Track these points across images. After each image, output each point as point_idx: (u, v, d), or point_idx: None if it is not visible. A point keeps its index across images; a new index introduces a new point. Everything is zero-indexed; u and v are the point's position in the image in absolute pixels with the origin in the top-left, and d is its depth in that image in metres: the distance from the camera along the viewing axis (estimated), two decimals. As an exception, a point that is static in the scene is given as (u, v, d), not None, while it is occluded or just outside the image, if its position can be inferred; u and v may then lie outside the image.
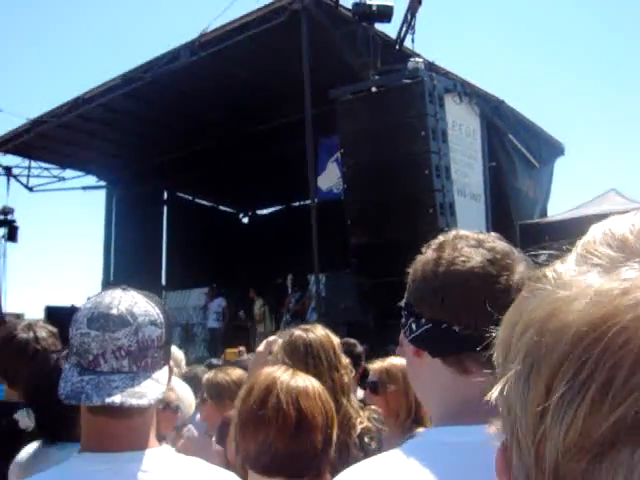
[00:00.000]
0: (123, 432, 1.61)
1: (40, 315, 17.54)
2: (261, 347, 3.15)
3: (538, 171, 15.89)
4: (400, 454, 1.27)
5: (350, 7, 12.35)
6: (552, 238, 9.99)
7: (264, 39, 13.31)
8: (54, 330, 3.53)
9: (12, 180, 20.41)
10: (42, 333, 3.39)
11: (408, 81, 10.98)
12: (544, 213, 16.20)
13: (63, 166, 21.61)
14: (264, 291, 17.85)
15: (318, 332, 2.86)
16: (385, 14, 12.26)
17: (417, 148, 10.59)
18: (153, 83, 15.00)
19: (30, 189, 21.34)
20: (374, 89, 11.19)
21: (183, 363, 5.13)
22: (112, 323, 1.58)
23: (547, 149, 16.74)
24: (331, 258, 13.08)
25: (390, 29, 12.97)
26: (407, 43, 12.77)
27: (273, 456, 2.00)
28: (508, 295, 1.25)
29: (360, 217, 11.26)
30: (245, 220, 27.59)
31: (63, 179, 21.96)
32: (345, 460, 1.66)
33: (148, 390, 1.57)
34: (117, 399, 1.51)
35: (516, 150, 14.56)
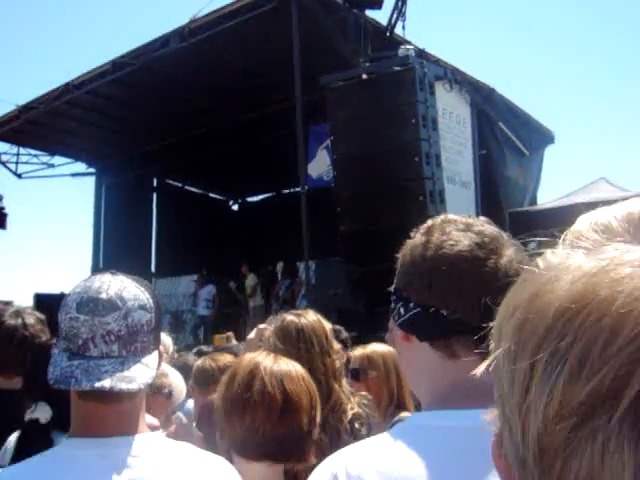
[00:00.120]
0: (112, 417, 1.61)
1: (29, 302, 17.48)
2: (252, 334, 3.15)
3: (528, 159, 15.92)
4: (388, 438, 1.27)
5: (341, -6, 12.32)
6: (542, 226, 10.01)
7: (254, 26, 13.24)
8: (42, 317, 3.52)
9: (1, 167, 20.32)
10: (30, 320, 3.38)
11: (399, 68, 10.94)
12: (534, 201, 16.24)
13: (52, 153, 21.51)
14: (252, 270, 17.79)
15: (310, 317, 2.86)
16: (376, 1, 12.23)
17: (407, 135, 10.57)
18: (143, 69, 14.92)
19: (19, 176, 21.24)
20: (364, 76, 11.14)
21: (171, 349, 5.12)
22: (101, 307, 1.58)
23: (537, 137, 16.77)
24: (321, 245, 13.08)
25: (381, 16, 12.94)
26: (398, 30, 12.74)
27: (260, 439, 2.01)
28: (496, 279, 1.26)
29: (350, 204, 11.24)
30: (235, 207, 27.55)
31: (52, 166, 21.87)
32: (336, 445, 1.67)
33: (138, 375, 1.57)
34: (107, 383, 1.51)
35: (506, 138, 14.58)
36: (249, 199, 27.13)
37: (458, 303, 1.28)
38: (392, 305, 1.42)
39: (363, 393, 3.07)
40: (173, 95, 16.34)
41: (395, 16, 12.57)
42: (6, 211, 19.25)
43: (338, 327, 5.53)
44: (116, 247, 20.80)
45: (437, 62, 13.08)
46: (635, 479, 0.48)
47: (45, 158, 21.56)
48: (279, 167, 18.74)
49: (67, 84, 16.80)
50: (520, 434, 0.54)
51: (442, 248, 1.32)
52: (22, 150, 20.92)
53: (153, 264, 22.65)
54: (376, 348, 3.78)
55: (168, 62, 14.55)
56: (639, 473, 0.48)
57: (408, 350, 1.40)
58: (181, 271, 20.05)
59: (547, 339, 0.53)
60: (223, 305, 18.30)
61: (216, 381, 2.47)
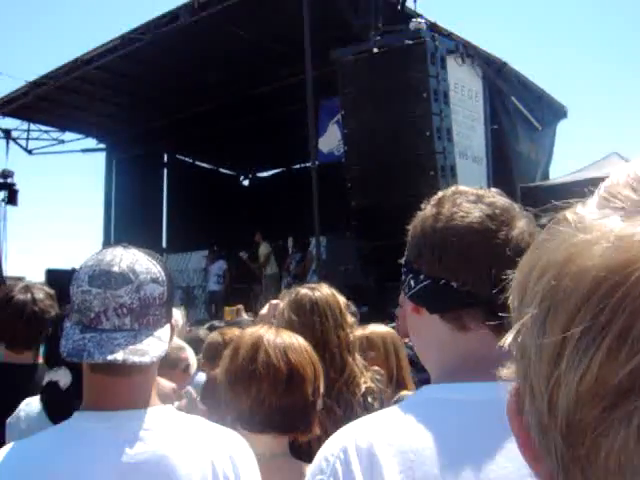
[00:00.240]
0: (124, 390, 1.62)
1: (41, 278, 17.59)
2: (264, 310, 3.16)
3: (540, 134, 15.81)
4: (398, 411, 1.27)
5: (352, -34, 12.20)
6: (554, 201, 9.95)
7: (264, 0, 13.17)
8: (51, 292, 3.55)
9: (11, 143, 20.34)
10: (39, 295, 3.40)
11: (410, 42, 10.86)
12: (546, 176, 16.14)
13: (62, 129, 21.53)
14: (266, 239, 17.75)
15: (324, 291, 2.86)
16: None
17: (418, 110, 10.52)
18: (152, 44, 14.87)
19: (29, 152, 21.29)
20: (375, 50, 11.07)
21: (181, 323, 5.13)
22: (114, 280, 1.58)
23: (549, 112, 16.64)
24: (332, 221, 13.07)
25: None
26: (409, 4, 12.63)
27: (267, 411, 2.02)
28: (507, 250, 1.25)
29: (361, 179, 11.22)
30: (245, 182, 27.50)
31: (62, 142, 21.91)
32: (349, 418, 1.68)
33: (150, 348, 1.58)
34: (119, 356, 1.51)
35: (518, 112, 14.47)
36: (260, 174, 27.08)
37: (468, 275, 1.28)
38: (402, 277, 1.42)
39: (376, 368, 3.08)
40: (183, 70, 16.29)
41: (407, -11, 12.46)
42: (17, 187, 19.36)
43: (347, 302, 5.55)
44: (127, 223, 20.85)
45: (449, 36, 12.96)
46: None
47: (55, 134, 21.61)
48: (290, 142, 18.69)
49: (76, 60, 16.76)
50: (546, 405, 0.52)
51: (453, 220, 1.32)
52: (32, 126, 20.96)
53: (164, 239, 22.70)
54: (375, 329, 3.79)
55: (178, 37, 14.49)
56: None
57: (418, 322, 1.40)
58: (192, 247, 20.07)
59: (583, 310, 0.49)
60: (234, 280, 18.32)
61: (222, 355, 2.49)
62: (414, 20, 11.28)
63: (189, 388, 4.53)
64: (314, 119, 12.95)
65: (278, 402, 2.05)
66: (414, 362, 4.06)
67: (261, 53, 15.35)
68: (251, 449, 1.75)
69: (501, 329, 1.30)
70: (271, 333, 2.18)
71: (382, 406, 2.75)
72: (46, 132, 21.39)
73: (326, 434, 2.47)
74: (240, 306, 7.94)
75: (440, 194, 1.41)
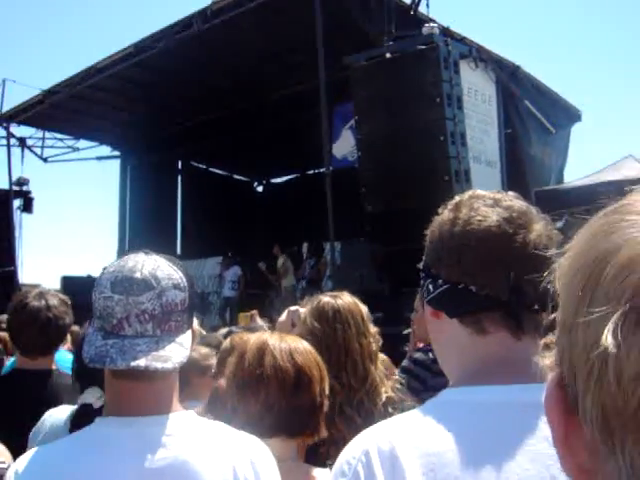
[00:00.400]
0: (147, 396, 1.62)
1: (56, 285, 17.66)
2: (283, 317, 3.15)
3: (554, 137, 15.75)
4: (418, 414, 1.28)
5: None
6: (569, 205, 9.93)
7: (277, 6, 13.20)
8: (66, 298, 3.57)
9: (27, 151, 20.45)
10: (53, 301, 3.42)
11: (423, 47, 10.86)
12: (560, 180, 16.07)
13: (77, 136, 21.62)
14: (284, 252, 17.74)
15: (346, 299, 2.85)
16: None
17: (432, 115, 10.51)
18: (166, 52, 14.92)
19: (45, 160, 21.38)
20: (388, 55, 11.07)
21: (196, 329, 5.11)
22: (136, 287, 1.59)
23: (564, 115, 16.57)
24: (346, 226, 13.06)
25: (404, -6, 12.81)
26: (422, 8, 12.62)
27: (276, 414, 2.02)
28: (525, 254, 1.26)
29: (375, 185, 11.21)
30: (260, 189, 27.52)
31: (77, 149, 21.99)
32: (369, 426, 1.67)
33: (172, 354, 1.58)
34: (142, 363, 1.52)
35: (532, 116, 14.42)
36: (274, 180, 27.09)
37: (487, 279, 1.29)
38: (421, 282, 1.43)
39: (396, 377, 3.06)
40: (196, 77, 16.34)
41: (419, -6, 12.45)
42: (32, 195, 19.47)
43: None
44: (142, 230, 20.91)
45: (462, 40, 12.94)
46: None
47: (70, 142, 21.70)
48: (303, 148, 18.68)
49: (90, 68, 16.85)
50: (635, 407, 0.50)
51: (470, 224, 1.32)
52: (47, 134, 21.05)
53: (179, 246, 22.76)
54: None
55: (191, 44, 14.54)
56: None
57: (437, 327, 1.40)
58: (206, 253, 20.11)
59: None
60: (249, 286, 18.33)
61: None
62: (427, 25, 11.28)
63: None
64: (328, 125, 12.97)
65: (287, 404, 2.06)
66: (428, 367, 4.05)
67: (274, 59, 15.38)
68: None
69: (519, 331, 1.31)
70: (275, 338, 2.20)
71: None
72: (61, 140, 21.49)
73: (345, 442, 2.48)
74: (254, 312, 7.94)
75: (457, 198, 1.41)
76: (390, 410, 2.68)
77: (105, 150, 22.65)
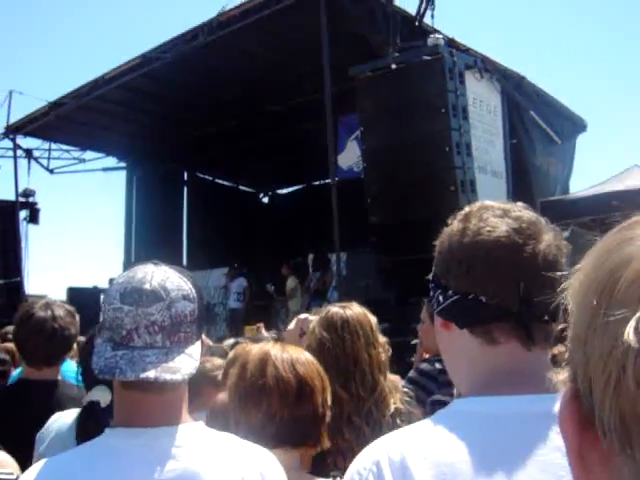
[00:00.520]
0: (156, 407, 1.62)
1: (62, 296, 17.66)
2: (292, 325, 3.15)
3: (560, 148, 15.72)
4: (429, 424, 1.28)
5: (369, -17, 12.24)
6: (574, 215, 9.92)
7: (283, 17, 13.23)
8: (72, 309, 3.58)
9: (33, 162, 20.49)
10: (60, 312, 3.43)
11: (428, 58, 10.88)
12: (566, 190, 16.04)
13: (83, 148, 21.65)
14: (293, 267, 17.70)
15: (355, 309, 2.85)
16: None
17: (437, 125, 10.51)
18: (172, 63, 14.95)
19: (51, 171, 21.41)
20: (394, 66, 11.08)
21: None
22: (145, 298, 1.59)
23: (569, 125, 16.55)
24: (352, 237, 13.05)
25: (410, 5, 12.86)
26: (427, 19, 12.64)
27: (278, 425, 2.02)
28: (535, 264, 1.26)
29: (380, 195, 11.21)
30: (265, 200, 27.51)
31: (83, 161, 22.00)
32: (377, 437, 1.66)
33: (182, 365, 1.58)
34: (151, 374, 1.52)
35: (537, 127, 14.41)
36: (279, 191, 27.09)
37: (497, 289, 1.29)
38: (430, 293, 1.43)
39: (405, 390, 3.05)
40: (203, 88, 16.37)
41: (424, 5, 12.46)
42: (38, 206, 19.53)
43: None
44: (147, 241, 20.91)
45: (467, 51, 12.96)
46: None
47: (76, 153, 21.71)
48: (309, 159, 18.70)
49: (97, 79, 16.90)
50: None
51: (479, 234, 1.33)
52: (53, 146, 21.07)
53: (184, 257, 22.75)
54: None
55: (197, 55, 14.58)
56: None
57: (447, 338, 1.40)
58: (212, 264, 20.09)
59: None
60: (254, 298, 18.31)
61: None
62: (432, 36, 11.30)
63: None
64: (333, 136, 12.98)
65: (289, 415, 2.06)
66: (434, 377, 4.04)
67: (280, 70, 15.41)
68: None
69: (529, 342, 1.31)
70: (277, 348, 2.19)
71: None
72: (67, 151, 21.52)
73: (352, 452, 2.47)
74: (260, 324, 7.96)
75: (466, 209, 1.42)
76: (398, 422, 2.67)
77: (111, 161, 22.71)
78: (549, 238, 1.32)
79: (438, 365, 4.01)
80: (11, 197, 18.85)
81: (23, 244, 18.77)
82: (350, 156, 15.82)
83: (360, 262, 14.30)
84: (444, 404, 1.88)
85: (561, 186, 16.00)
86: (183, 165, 22.95)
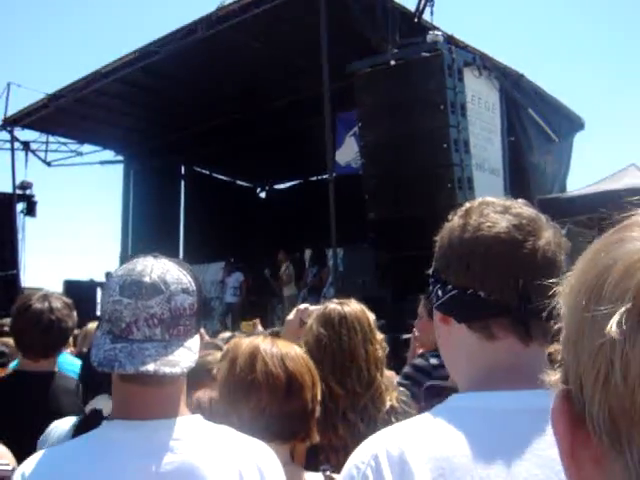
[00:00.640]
0: (154, 400, 1.62)
1: (59, 289, 17.64)
2: (291, 315, 3.14)
3: (557, 146, 15.73)
4: (427, 419, 1.28)
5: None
6: (571, 213, 9.93)
7: (282, 13, 13.21)
8: (69, 301, 3.58)
9: (30, 155, 20.47)
10: (57, 304, 3.43)
11: (427, 54, 10.88)
12: (563, 188, 16.06)
13: (81, 141, 21.62)
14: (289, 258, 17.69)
15: (353, 306, 2.86)
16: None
17: (436, 122, 10.51)
18: (170, 57, 14.93)
19: (48, 164, 21.38)
20: (393, 62, 11.08)
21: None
22: (145, 291, 1.59)
23: (567, 124, 16.56)
24: (349, 233, 13.06)
25: (408, 1, 12.84)
26: (426, 16, 12.62)
27: (267, 420, 2.02)
28: (534, 260, 1.26)
29: (378, 192, 11.21)
30: (262, 195, 27.50)
31: (81, 154, 21.96)
32: (372, 433, 1.67)
33: (181, 358, 1.58)
34: (151, 367, 1.52)
35: (535, 125, 14.41)
36: (277, 186, 27.08)
37: (496, 285, 1.29)
38: (430, 287, 1.43)
39: (402, 389, 3.05)
40: (201, 83, 16.36)
41: (423, 1, 12.45)
42: (36, 199, 19.52)
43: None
44: (144, 234, 20.89)
45: (466, 48, 12.94)
46: None
47: (74, 146, 21.68)
48: (307, 154, 18.67)
49: (95, 72, 16.85)
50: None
51: (480, 230, 1.33)
52: (51, 138, 21.04)
53: (181, 251, 22.71)
54: None
55: (195, 50, 14.54)
56: None
57: (446, 332, 1.41)
58: (209, 258, 20.09)
59: None
60: (250, 293, 18.32)
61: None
62: (431, 33, 11.29)
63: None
64: (331, 132, 12.97)
65: (278, 410, 2.06)
66: (429, 373, 4.06)
67: (278, 66, 15.40)
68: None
69: (527, 338, 1.32)
70: (267, 343, 2.19)
71: None
72: (64, 144, 21.49)
73: (346, 448, 2.48)
74: (257, 320, 7.97)
75: (467, 205, 1.42)
76: (393, 419, 2.68)
77: (109, 154, 22.69)
78: (549, 235, 1.33)
79: (433, 360, 4.02)
80: (8, 189, 18.84)
81: (20, 236, 18.79)
82: (348, 152, 15.82)
83: (357, 258, 14.32)
84: (438, 390, 1.89)
85: (558, 184, 16.02)
86: (180, 159, 22.94)
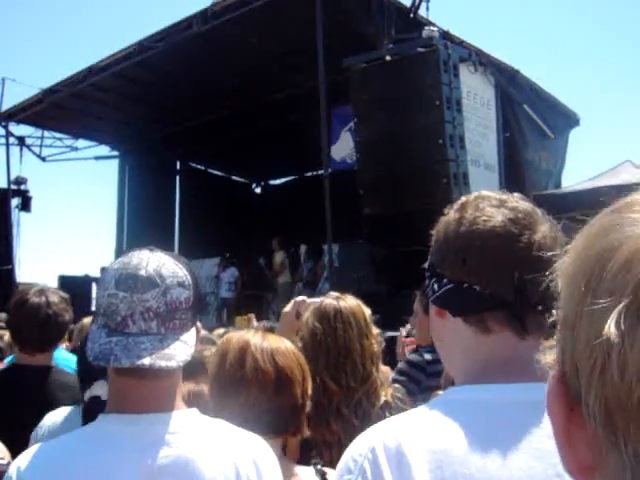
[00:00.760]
0: (150, 394, 1.62)
1: (53, 284, 17.57)
2: (288, 307, 3.14)
3: (553, 142, 15.74)
4: (423, 412, 1.29)
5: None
6: (567, 209, 9.94)
7: (278, 7, 13.17)
8: (66, 296, 3.58)
9: (25, 150, 20.42)
10: (54, 298, 3.43)
11: (423, 50, 10.89)
12: (558, 184, 16.08)
13: (76, 136, 21.57)
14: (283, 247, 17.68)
15: (349, 301, 2.85)
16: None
17: (431, 117, 10.52)
18: (166, 52, 14.89)
19: (43, 159, 21.34)
20: (388, 58, 11.09)
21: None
22: (140, 284, 1.58)
23: (562, 120, 16.56)
24: (344, 228, 13.06)
25: (404, -3, 12.82)
26: (422, 11, 12.62)
27: (257, 415, 2.02)
28: (530, 254, 1.27)
29: (373, 187, 11.22)
30: (258, 190, 27.50)
31: (76, 149, 21.93)
32: (366, 428, 1.67)
33: (177, 352, 1.58)
34: (146, 361, 1.52)
35: (531, 121, 14.42)
36: (272, 182, 27.06)
37: (491, 279, 1.29)
38: (426, 281, 1.43)
39: (397, 386, 3.05)
40: (196, 78, 16.32)
41: (419, -3, 12.45)
42: (30, 194, 19.47)
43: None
44: (139, 230, 20.87)
45: (461, 44, 12.94)
46: None
47: (69, 141, 21.64)
48: (302, 150, 18.67)
49: (90, 67, 16.81)
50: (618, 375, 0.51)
51: (475, 224, 1.33)
52: (46, 133, 20.99)
53: (176, 247, 22.69)
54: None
55: (191, 45, 14.51)
56: None
57: (442, 326, 1.41)
58: (204, 254, 20.07)
59: None
60: (246, 288, 18.33)
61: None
62: (427, 28, 11.29)
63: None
64: (327, 127, 12.96)
65: (267, 405, 2.06)
66: (423, 368, 4.07)
67: (274, 61, 15.37)
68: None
69: (523, 331, 1.32)
70: (258, 337, 2.19)
71: None
72: (60, 139, 21.44)
73: (340, 443, 2.48)
74: (251, 315, 7.96)
75: (463, 199, 1.42)
76: (387, 415, 2.67)
77: (104, 150, 22.64)
78: (545, 229, 1.33)
79: (427, 356, 4.04)
80: (3, 184, 18.82)
81: (15, 232, 18.74)
82: (344, 147, 15.82)
83: (352, 254, 14.33)
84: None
85: (554, 180, 16.04)
86: (176, 154, 22.90)
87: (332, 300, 2.83)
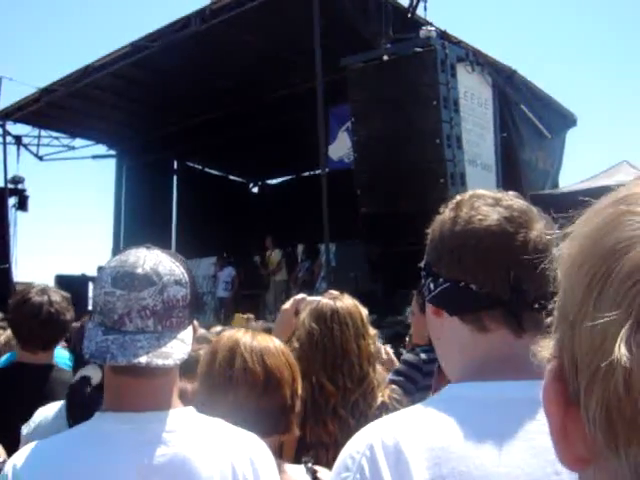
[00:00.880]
0: (147, 392, 1.62)
1: (50, 284, 17.55)
2: (287, 305, 3.12)
3: (550, 142, 15.76)
4: (422, 408, 1.29)
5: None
6: (563, 209, 9.92)
7: (275, 6, 13.17)
8: (67, 295, 3.60)
9: (22, 149, 20.39)
10: (55, 297, 3.45)
11: (420, 50, 10.88)
12: (556, 184, 16.08)
13: (73, 135, 21.55)
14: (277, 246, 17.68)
15: (346, 301, 2.84)
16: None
17: (428, 117, 10.52)
18: (163, 51, 14.88)
19: (40, 158, 21.31)
20: (385, 57, 11.08)
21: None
22: (137, 282, 1.58)
23: (559, 120, 16.58)
24: (341, 228, 13.06)
25: (402, -4, 12.83)
26: (419, 11, 12.64)
27: (245, 415, 2.02)
28: (526, 253, 1.26)
29: (370, 187, 11.22)
30: (255, 190, 27.50)
31: (73, 148, 21.91)
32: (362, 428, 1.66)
33: (174, 350, 1.58)
34: (143, 359, 1.52)
35: (528, 121, 14.43)
36: (269, 181, 27.06)
37: (487, 277, 1.29)
38: (422, 281, 1.43)
39: (394, 387, 3.04)
40: (194, 77, 16.31)
41: (416, -3, 12.46)
42: (27, 193, 19.46)
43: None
44: (136, 229, 20.85)
45: (459, 44, 12.95)
46: None
47: (66, 140, 21.61)
48: (299, 149, 18.66)
49: (87, 66, 16.79)
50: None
51: (471, 223, 1.33)
52: (43, 132, 20.97)
53: (173, 246, 22.66)
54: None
55: (189, 44, 14.51)
56: None
57: (439, 325, 1.41)
58: (201, 253, 20.06)
59: None
60: (242, 287, 18.32)
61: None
62: (424, 28, 11.28)
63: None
64: (324, 126, 12.96)
65: (256, 406, 2.06)
66: (419, 368, 4.08)
67: (272, 60, 15.36)
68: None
69: (520, 330, 1.32)
70: (248, 337, 2.18)
71: None
72: (57, 138, 21.42)
73: (336, 444, 2.47)
74: (251, 315, 7.98)
75: (458, 198, 1.42)
76: (384, 415, 2.66)
77: (101, 149, 22.62)
78: (540, 227, 1.33)
79: (423, 356, 4.05)
80: (0, 184, 18.77)
81: (11, 231, 18.72)
82: (341, 147, 15.82)
83: (349, 253, 14.33)
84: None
85: (550, 180, 16.05)
86: (173, 154, 22.89)
87: (329, 300, 2.83)
